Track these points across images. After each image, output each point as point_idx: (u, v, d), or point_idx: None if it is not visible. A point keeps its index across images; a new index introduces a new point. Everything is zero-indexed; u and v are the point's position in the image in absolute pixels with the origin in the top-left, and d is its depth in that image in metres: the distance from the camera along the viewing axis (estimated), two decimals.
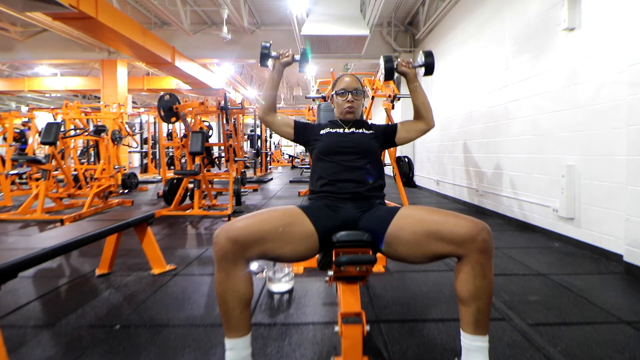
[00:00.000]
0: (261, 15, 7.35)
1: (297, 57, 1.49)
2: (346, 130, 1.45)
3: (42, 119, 6.84)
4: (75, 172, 4.98)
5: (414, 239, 1.06)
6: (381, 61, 1.46)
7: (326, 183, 1.31)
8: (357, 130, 1.46)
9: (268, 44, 1.43)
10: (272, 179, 9.02)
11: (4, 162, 5.27)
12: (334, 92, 1.50)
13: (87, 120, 5.96)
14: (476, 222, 1.01)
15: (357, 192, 1.27)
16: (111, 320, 1.55)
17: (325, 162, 1.37)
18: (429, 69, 1.44)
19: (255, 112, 9.21)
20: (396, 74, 1.46)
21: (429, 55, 1.44)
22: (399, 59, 1.48)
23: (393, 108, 3.95)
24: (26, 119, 6.43)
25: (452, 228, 1.01)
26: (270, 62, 1.46)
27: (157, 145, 9.24)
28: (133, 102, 14.68)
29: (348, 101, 1.45)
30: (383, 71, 1.45)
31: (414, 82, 1.46)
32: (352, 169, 1.32)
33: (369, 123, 1.53)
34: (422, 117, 1.48)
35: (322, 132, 1.47)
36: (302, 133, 1.49)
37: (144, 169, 9.78)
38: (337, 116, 1.52)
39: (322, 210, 1.22)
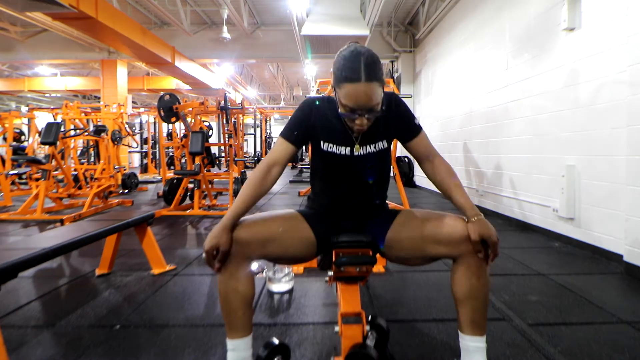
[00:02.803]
0: (261, 15, 7.36)
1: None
2: (356, 153, 1.12)
3: (42, 119, 6.85)
4: (75, 172, 4.98)
5: (412, 243, 1.07)
6: None
7: (326, 202, 1.21)
8: (370, 147, 1.13)
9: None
10: None
11: (4, 162, 5.27)
12: (338, 97, 1.03)
13: (87, 120, 5.96)
14: None
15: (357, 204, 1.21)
16: (111, 320, 1.55)
17: (325, 183, 1.19)
18: None
19: (255, 112, 9.22)
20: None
21: None
22: None
23: None
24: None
25: (448, 230, 1.01)
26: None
27: (157, 145, 9.25)
28: (133, 102, 14.69)
29: (358, 122, 1.02)
30: None
31: None
32: (357, 190, 1.17)
33: (383, 113, 1.05)
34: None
35: (324, 145, 1.12)
36: (300, 141, 1.13)
37: (144, 169, 9.79)
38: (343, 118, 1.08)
39: (322, 212, 1.21)
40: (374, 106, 0.99)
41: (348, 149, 1.12)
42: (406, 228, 1.09)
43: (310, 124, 1.13)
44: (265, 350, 1.06)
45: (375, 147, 1.14)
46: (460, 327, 1.04)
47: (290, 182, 8.01)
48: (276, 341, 1.10)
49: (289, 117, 1.20)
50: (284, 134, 1.13)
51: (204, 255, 1.00)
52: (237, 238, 1.00)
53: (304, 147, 1.41)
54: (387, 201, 1.29)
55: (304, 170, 9.65)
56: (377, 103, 0.99)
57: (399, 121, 1.14)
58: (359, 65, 0.95)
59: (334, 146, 1.12)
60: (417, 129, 1.14)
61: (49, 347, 1.34)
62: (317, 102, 1.14)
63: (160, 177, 7.46)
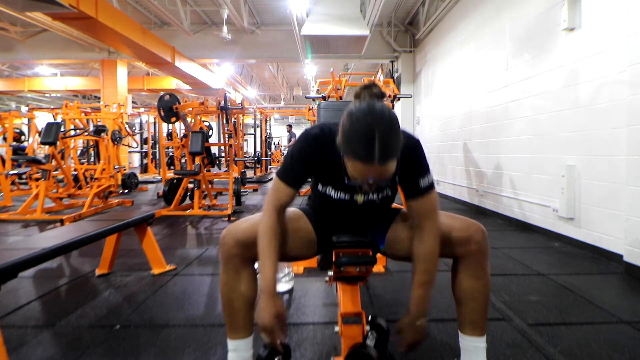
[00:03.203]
0: (261, 15, 7.35)
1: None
2: (359, 201, 1.08)
3: (42, 119, 6.85)
4: (75, 172, 4.98)
5: (411, 243, 1.06)
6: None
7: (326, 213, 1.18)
8: (373, 196, 1.07)
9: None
10: (272, 179, 9.00)
11: (4, 162, 5.27)
12: (345, 162, 0.89)
13: (87, 120, 5.96)
14: (470, 223, 1.02)
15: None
16: (111, 320, 1.55)
17: (324, 206, 1.17)
18: None
19: (255, 112, 9.22)
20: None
21: None
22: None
23: (393, 108, 3.96)
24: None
25: (447, 230, 1.01)
26: None
27: (157, 145, 9.24)
28: (133, 102, 14.67)
29: (366, 188, 0.91)
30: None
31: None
32: (358, 213, 1.14)
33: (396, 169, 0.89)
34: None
35: (322, 188, 1.09)
36: (300, 184, 1.05)
37: (144, 169, 9.78)
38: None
39: (322, 212, 1.21)
40: (387, 179, 0.87)
41: (348, 195, 1.07)
42: (406, 228, 1.09)
43: (309, 164, 1.04)
44: (265, 350, 1.06)
45: (378, 196, 1.08)
46: (460, 327, 1.04)
47: None
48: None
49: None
50: (283, 177, 1.03)
51: (265, 337, 0.90)
52: (242, 240, 0.99)
53: None
54: None
55: None
56: (390, 174, 0.86)
57: (408, 175, 1.00)
58: (373, 144, 0.79)
59: (333, 190, 1.08)
60: (422, 191, 0.99)
61: (49, 347, 1.34)
62: (317, 139, 1.02)
63: (160, 177, 7.45)
